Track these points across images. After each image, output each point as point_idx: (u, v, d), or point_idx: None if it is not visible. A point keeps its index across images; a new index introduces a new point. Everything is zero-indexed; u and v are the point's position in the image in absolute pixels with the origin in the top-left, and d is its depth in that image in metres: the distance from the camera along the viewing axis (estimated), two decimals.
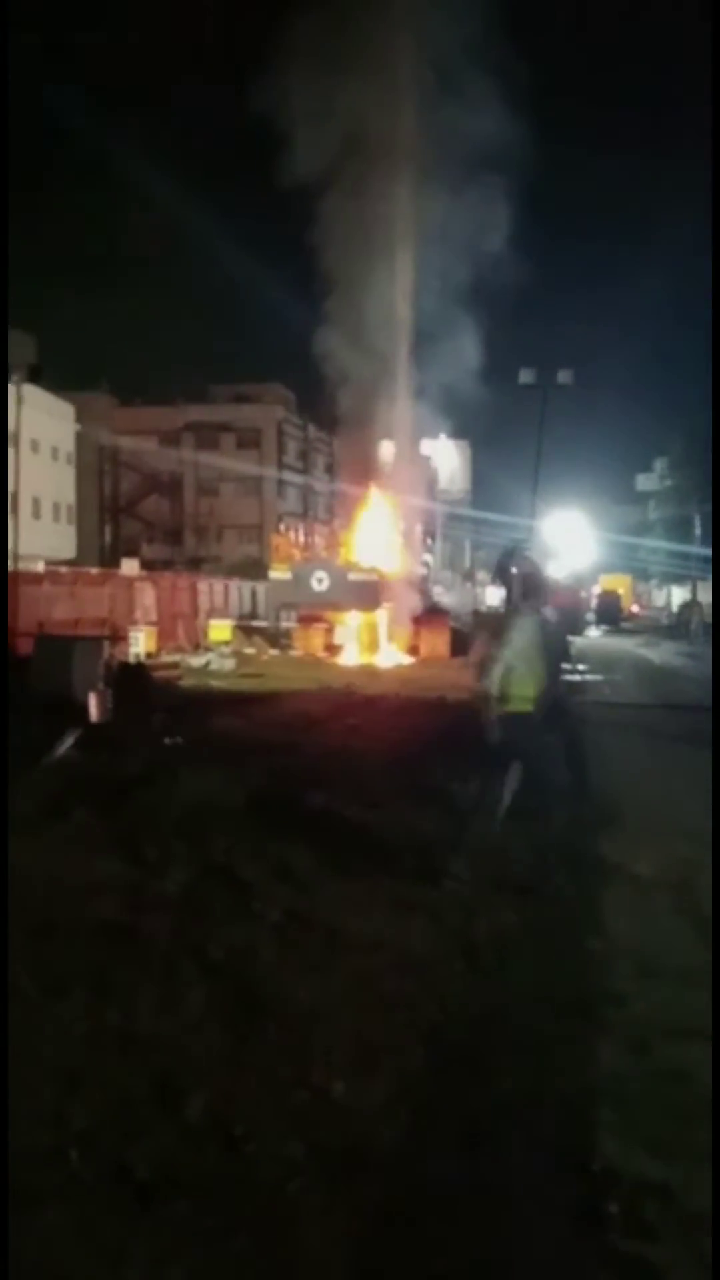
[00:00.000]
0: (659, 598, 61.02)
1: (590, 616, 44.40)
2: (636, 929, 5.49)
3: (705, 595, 47.93)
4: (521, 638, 6.85)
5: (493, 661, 6.67)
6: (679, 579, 53.41)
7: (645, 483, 67.21)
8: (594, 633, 41.25)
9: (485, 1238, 2.99)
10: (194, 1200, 3.04)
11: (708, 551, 44.68)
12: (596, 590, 51.09)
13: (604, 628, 44.21)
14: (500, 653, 6.68)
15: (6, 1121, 3.32)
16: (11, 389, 21.00)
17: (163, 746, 10.30)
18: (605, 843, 7.20)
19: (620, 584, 55.93)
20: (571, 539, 51.49)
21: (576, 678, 20.83)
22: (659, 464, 63.61)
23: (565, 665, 21.49)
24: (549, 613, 7.21)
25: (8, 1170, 3.09)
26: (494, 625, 6.94)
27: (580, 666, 23.13)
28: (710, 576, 47.52)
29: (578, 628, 34.75)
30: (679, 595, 54.81)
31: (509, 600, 7.97)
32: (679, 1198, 3.16)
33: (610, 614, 47.01)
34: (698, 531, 46.75)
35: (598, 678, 21.38)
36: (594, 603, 47.77)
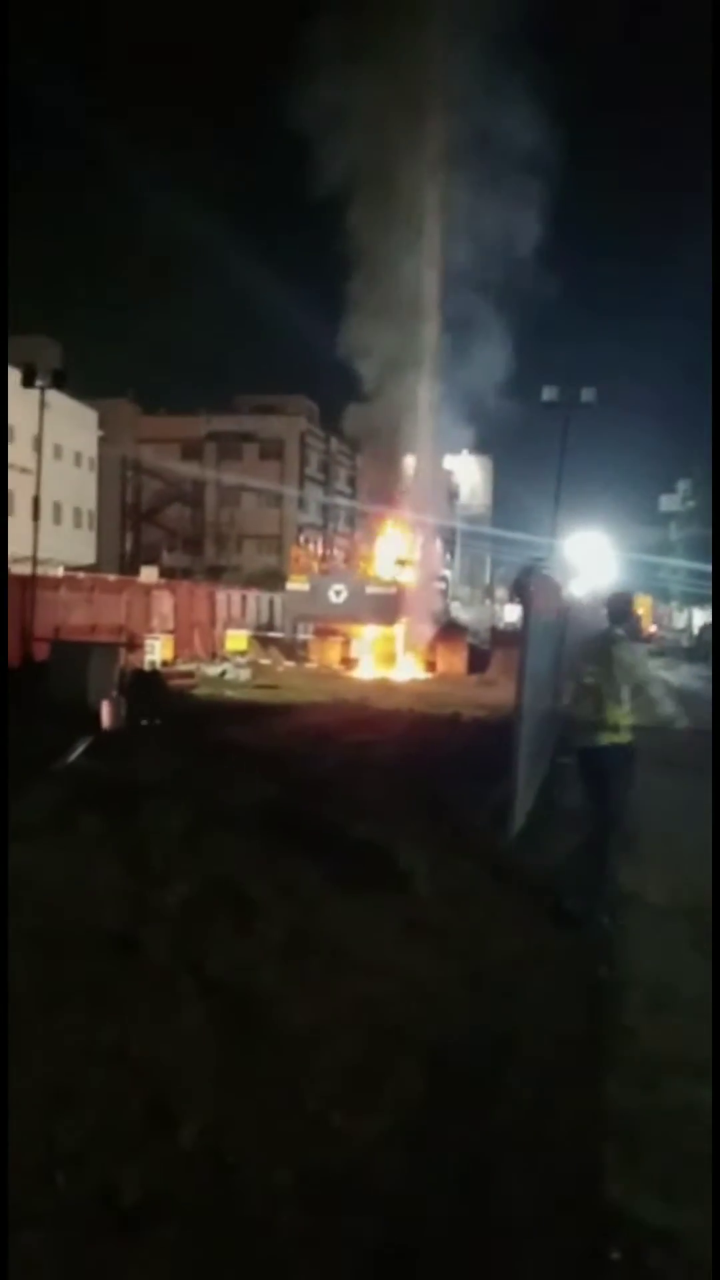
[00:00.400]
0: (679, 619, 60.53)
1: None
2: (649, 958, 5.35)
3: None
4: (643, 668, 6.36)
5: (623, 691, 6.10)
6: (700, 600, 53.04)
7: (668, 503, 66.95)
8: None
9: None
10: (182, 1228, 2.95)
11: None
12: None
13: None
14: (635, 683, 6.15)
15: (7, 1133, 3.23)
16: (36, 394, 21.08)
17: (174, 754, 10.21)
18: (618, 866, 7.05)
19: (641, 604, 55.51)
20: (593, 558, 51.20)
21: None
22: (682, 485, 63.41)
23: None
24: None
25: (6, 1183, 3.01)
26: (594, 654, 6.43)
27: None
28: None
29: None
30: (700, 617, 54.39)
31: (525, 617, 7.87)
32: (685, 1244, 3.03)
33: (630, 635, 46.61)
34: None
35: None
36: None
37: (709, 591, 48.15)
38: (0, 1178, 3.03)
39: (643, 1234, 3.06)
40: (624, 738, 6.07)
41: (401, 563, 26.81)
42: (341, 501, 60.12)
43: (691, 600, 56.87)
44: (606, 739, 6.06)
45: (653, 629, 53.26)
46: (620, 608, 6.75)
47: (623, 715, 6.04)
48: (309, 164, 25.68)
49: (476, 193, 25.69)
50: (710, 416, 32.54)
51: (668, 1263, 2.96)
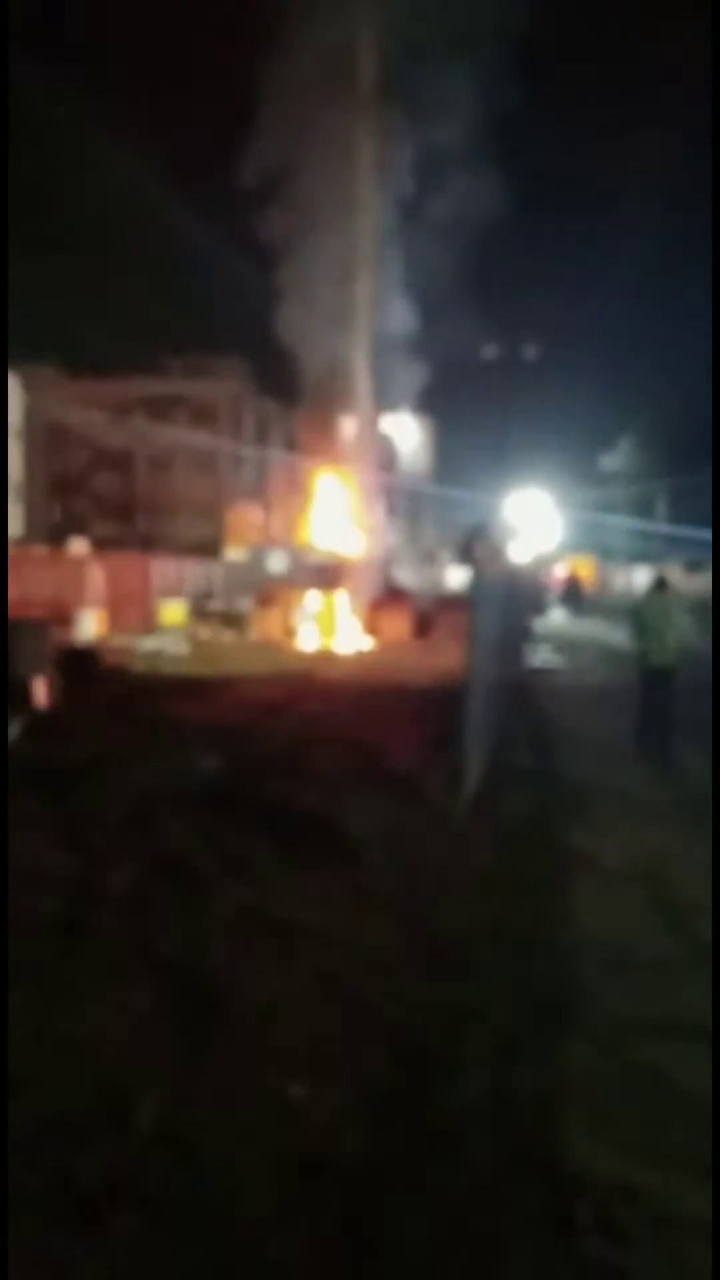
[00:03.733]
0: (620, 579, 61.10)
1: (552, 598, 44.53)
2: (606, 921, 5.38)
3: (669, 575, 48.23)
4: (684, 621, 10.41)
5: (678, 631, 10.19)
6: (641, 559, 53.56)
7: (610, 461, 67.22)
8: (557, 614, 41.42)
9: (452, 1252, 2.84)
10: (143, 1214, 2.88)
11: (671, 530, 44.98)
12: (559, 572, 51.22)
13: (567, 609, 44.41)
14: (678, 629, 10.19)
15: (6, 1132, 3.11)
16: None
17: (113, 733, 9.99)
18: (571, 829, 7.10)
19: (583, 565, 56.06)
20: (535, 518, 51.28)
21: (540, 660, 20.86)
22: (624, 442, 63.70)
23: (528, 647, 21.58)
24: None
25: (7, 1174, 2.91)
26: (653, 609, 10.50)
27: (544, 648, 23.16)
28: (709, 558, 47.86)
29: (539, 609, 34.82)
30: (642, 576, 54.98)
31: (473, 582, 7.88)
32: (651, 1201, 3.05)
33: (573, 596, 47.19)
34: (663, 511, 47.02)
35: (561, 660, 21.41)
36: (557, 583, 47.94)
37: (650, 549, 48.81)
38: (0, 1177, 2.93)
39: (607, 1191, 3.08)
40: (675, 660, 10.06)
41: (344, 528, 26.62)
42: (279, 465, 59.39)
43: (634, 559, 57.44)
44: (669, 661, 10.04)
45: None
46: (661, 581, 11.13)
47: (674, 647, 10.03)
48: (238, 114, 25.02)
49: (412, 148, 25.27)
50: (711, 418, 32.72)
51: (632, 1217, 3.00)
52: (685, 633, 10.31)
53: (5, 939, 4.37)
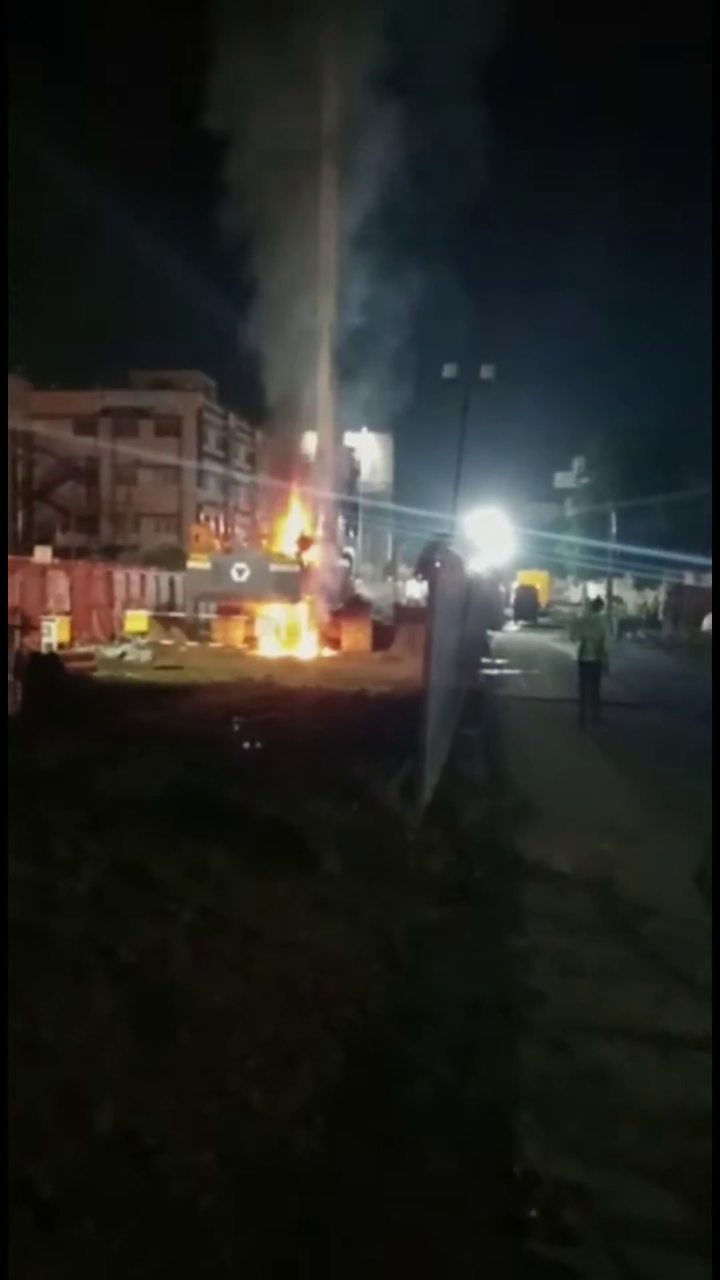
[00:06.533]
0: (574, 593, 61.86)
1: (509, 611, 45.04)
2: (556, 927, 5.50)
3: (619, 590, 49.12)
4: (610, 633, 16.13)
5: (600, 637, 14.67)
6: (594, 575, 54.37)
7: (563, 480, 68.15)
8: (512, 627, 41.84)
9: (406, 1249, 2.91)
10: (101, 1219, 2.89)
11: (623, 547, 45.70)
12: (515, 585, 51.81)
13: (521, 622, 44.93)
14: (605, 638, 14.87)
15: (6, 1132, 3.11)
16: None
17: (75, 738, 9.96)
18: (524, 837, 7.23)
19: (537, 579, 56.74)
20: (491, 534, 51.99)
21: (495, 671, 21.08)
22: (577, 462, 64.60)
23: (484, 659, 21.82)
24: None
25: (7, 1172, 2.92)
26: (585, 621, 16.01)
27: (499, 660, 23.40)
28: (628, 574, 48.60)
29: (496, 622, 35.16)
30: (593, 591, 55.70)
31: (432, 596, 8.00)
32: (599, 1201, 3.14)
33: (528, 609, 47.78)
34: (613, 529, 47.69)
35: (516, 672, 21.65)
36: (512, 598, 48.53)
37: (602, 566, 49.49)
38: (1, 1180, 2.94)
39: (557, 1192, 3.15)
40: (601, 657, 14.30)
41: (305, 540, 26.70)
42: (242, 478, 59.38)
43: (586, 575, 58.24)
44: (598, 658, 14.24)
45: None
46: (596, 603, 17.90)
47: (601, 648, 14.33)
48: (203, 131, 25.10)
49: (374, 173, 25.57)
50: (711, 416, 33.10)
51: (582, 1219, 3.05)
52: (609, 639, 15.50)
53: (5, 940, 4.37)
